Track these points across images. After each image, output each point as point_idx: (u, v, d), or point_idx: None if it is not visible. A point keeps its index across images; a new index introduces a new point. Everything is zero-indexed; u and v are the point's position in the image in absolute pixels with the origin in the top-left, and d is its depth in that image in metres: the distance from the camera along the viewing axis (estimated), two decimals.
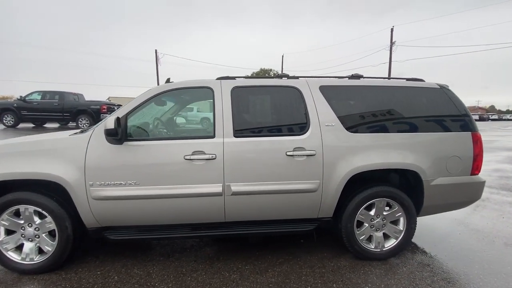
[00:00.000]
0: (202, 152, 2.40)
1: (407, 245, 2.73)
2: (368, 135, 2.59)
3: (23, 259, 2.39)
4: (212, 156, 2.40)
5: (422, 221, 3.64)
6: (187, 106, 3.01)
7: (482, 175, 2.77)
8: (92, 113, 12.75)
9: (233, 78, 2.71)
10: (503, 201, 4.43)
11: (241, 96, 2.62)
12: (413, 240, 3.14)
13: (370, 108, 2.71)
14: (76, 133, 2.66)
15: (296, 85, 2.65)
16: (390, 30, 22.23)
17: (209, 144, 2.43)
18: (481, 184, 2.78)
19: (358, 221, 2.63)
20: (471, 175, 2.72)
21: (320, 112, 2.58)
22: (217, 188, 2.41)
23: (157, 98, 2.56)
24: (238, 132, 2.49)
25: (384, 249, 2.67)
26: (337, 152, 2.52)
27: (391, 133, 2.63)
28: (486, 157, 8.85)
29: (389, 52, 22.46)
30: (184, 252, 2.83)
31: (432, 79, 2.91)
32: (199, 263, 2.63)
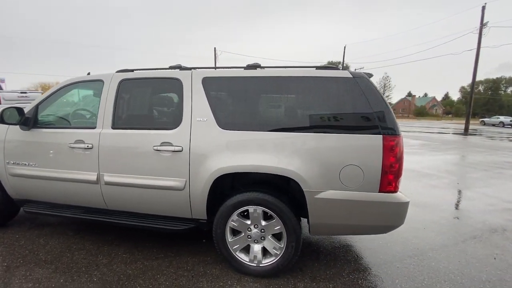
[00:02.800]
0: (82, 142, 2.57)
1: (285, 266, 2.28)
2: (244, 133, 2.26)
3: None
4: (89, 146, 2.54)
5: (380, 238, 2.97)
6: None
7: None
8: None
9: (131, 70, 2.76)
10: None
11: (127, 88, 2.65)
12: (338, 258, 2.59)
13: (252, 103, 2.34)
14: None
15: (178, 77, 2.51)
16: (481, 8, 17.28)
17: (88, 134, 2.58)
18: (400, 205, 2.08)
19: (234, 228, 2.36)
20: (380, 191, 2.06)
21: (195, 105, 2.39)
22: (92, 176, 2.55)
23: (62, 91, 2.84)
24: (117, 124, 2.55)
25: (260, 265, 2.31)
26: (204, 150, 2.30)
27: (272, 131, 2.22)
28: None
29: (478, 35, 17.57)
30: (93, 232, 3.09)
31: None
32: (93, 243, 2.84)
